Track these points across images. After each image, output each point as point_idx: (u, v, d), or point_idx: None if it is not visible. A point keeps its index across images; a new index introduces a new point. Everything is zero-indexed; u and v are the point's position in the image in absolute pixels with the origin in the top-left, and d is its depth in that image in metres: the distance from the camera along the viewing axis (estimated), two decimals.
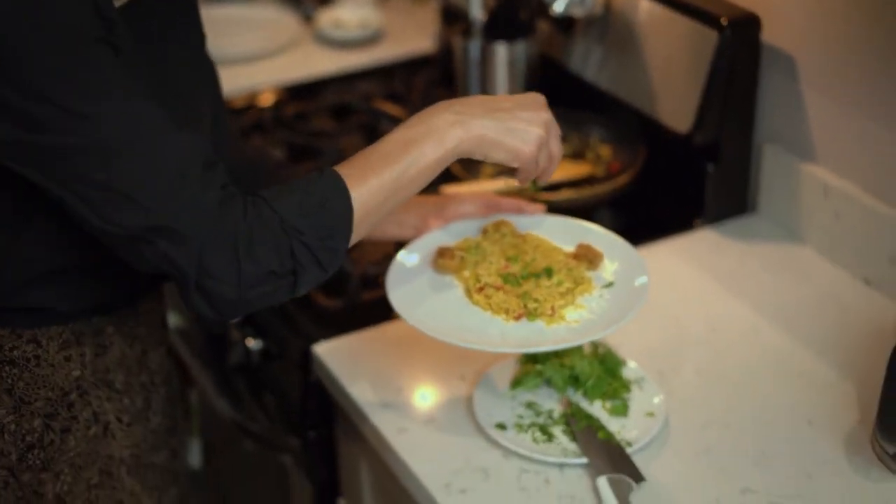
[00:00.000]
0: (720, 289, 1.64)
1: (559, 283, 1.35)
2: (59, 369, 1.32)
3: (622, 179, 1.79)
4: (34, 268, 1.25)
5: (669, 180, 1.83)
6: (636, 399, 1.40)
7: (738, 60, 1.69)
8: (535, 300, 1.33)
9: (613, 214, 1.81)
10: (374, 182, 1.21)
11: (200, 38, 1.38)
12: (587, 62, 1.95)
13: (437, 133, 1.24)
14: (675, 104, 1.77)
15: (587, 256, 1.39)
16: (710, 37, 1.69)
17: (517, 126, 1.27)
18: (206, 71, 1.40)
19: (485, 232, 1.43)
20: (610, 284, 1.37)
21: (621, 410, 1.38)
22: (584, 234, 1.43)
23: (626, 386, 1.41)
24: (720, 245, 1.74)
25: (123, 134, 1.10)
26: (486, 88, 2.01)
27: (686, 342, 1.53)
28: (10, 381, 1.30)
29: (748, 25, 1.70)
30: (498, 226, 1.43)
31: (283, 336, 1.64)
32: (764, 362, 1.49)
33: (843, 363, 1.48)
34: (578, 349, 1.43)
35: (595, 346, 1.46)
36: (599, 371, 1.41)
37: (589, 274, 1.38)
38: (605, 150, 1.92)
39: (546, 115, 1.29)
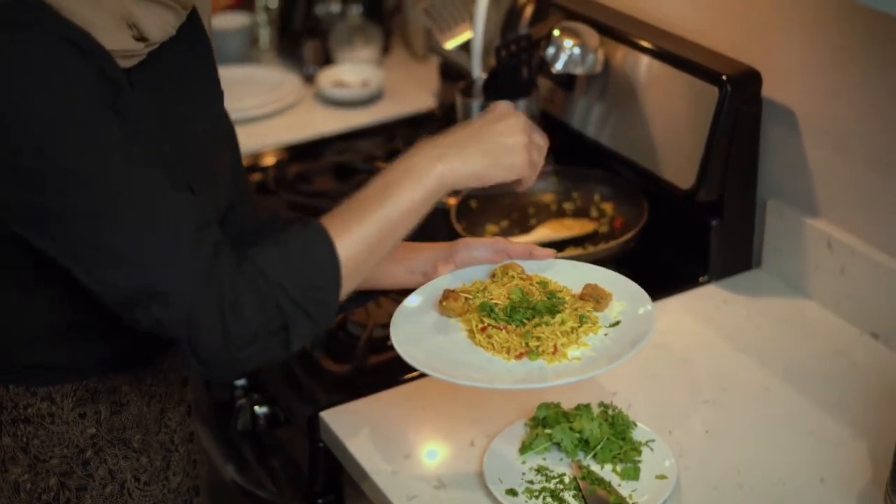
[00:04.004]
0: (728, 346, 1.63)
1: (563, 323, 1.33)
2: (73, 426, 1.31)
3: (626, 236, 1.78)
4: (47, 325, 1.26)
5: (673, 237, 1.83)
6: (647, 461, 1.39)
7: (740, 116, 1.70)
8: (537, 339, 1.31)
9: (618, 271, 1.79)
10: (358, 230, 1.20)
11: (218, 94, 1.38)
12: (588, 120, 1.95)
13: (416, 171, 1.23)
14: (678, 161, 1.77)
15: (594, 296, 1.37)
16: (711, 93, 1.70)
17: (502, 142, 1.27)
18: (223, 127, 1.40)
19: (493, 276, 1.42)
20: (616, 324, 1.36)
21: (632, 474, 1.37)
22: (592, 276, 1.42)
23: (636, 448, 1.40)
24: (726, 301, 1.74)
25: (118, 199, 1.11)
26: None
27: (695, 401, 1.52)
28: (24, 439, 1.30)
29: (749, 81, 1.70)
30: (506, 269, 1.41)
31: (291, 401, 1.63)
32: (774, 420, 1.48)
33: (854, 420, 1.47)
34: (587, 412, 1.42)
35: (605, 408, 1.45)
36: (609, 434, 1.40)
37: (595, 314, 1.37)
38: (609, 207, 1.91)
39: (520, 118, 1.30)
